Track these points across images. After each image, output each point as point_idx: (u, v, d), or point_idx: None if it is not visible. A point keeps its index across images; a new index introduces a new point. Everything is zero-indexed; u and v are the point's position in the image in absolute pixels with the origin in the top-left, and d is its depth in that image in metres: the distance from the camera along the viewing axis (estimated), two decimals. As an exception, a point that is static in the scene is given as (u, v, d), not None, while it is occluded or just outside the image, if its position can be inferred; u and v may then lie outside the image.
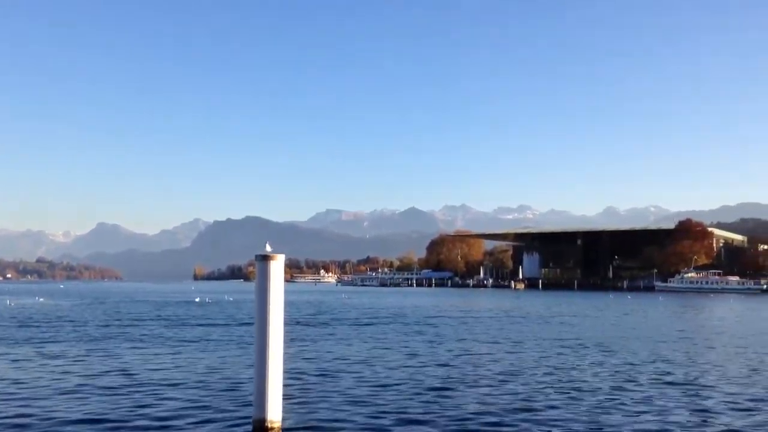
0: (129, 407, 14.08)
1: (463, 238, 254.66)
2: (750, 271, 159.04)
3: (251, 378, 11.81)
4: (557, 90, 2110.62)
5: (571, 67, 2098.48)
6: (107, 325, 36.95)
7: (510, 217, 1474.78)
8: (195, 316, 45.99)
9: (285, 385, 11.65)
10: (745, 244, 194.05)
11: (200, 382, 17.37)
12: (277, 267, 11.06)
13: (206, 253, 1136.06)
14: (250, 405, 11.60)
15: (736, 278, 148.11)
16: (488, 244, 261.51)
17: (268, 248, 11.42)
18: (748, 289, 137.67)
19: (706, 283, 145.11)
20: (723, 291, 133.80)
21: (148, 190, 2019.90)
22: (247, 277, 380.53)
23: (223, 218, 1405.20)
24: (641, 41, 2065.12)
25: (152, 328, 35.50)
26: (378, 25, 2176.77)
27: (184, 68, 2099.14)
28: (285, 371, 11.54)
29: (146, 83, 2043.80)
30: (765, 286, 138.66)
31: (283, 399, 11.31)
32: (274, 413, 10.89)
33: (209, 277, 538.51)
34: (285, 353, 11.41)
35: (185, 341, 28.23)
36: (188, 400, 14.94)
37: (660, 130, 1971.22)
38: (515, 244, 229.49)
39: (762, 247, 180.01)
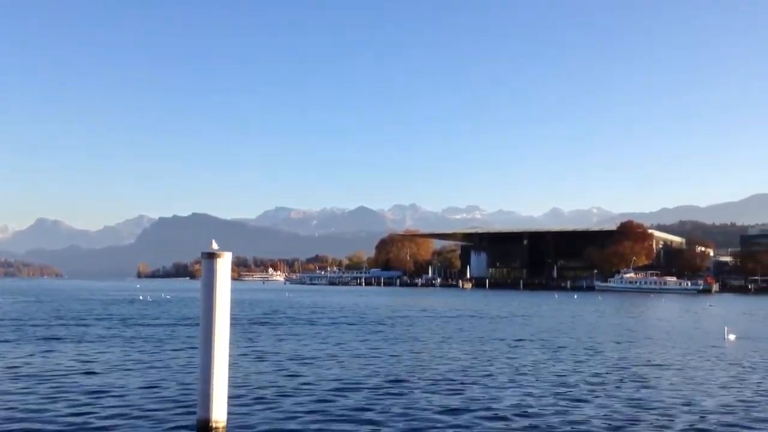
0: (70, 409, 13.68)
1: (412, 237, 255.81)
2: (687, 272, 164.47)
3: (197, 378, 11.61)
4: (505, 92, 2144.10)
5: (519, 69, 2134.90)
6: (49, 325, 35.71)
7: (458, 217, 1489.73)
8: (139, 315, 44.95)
9: (230, 385, 11.48)
10: (683, 246, 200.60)
11: (143, 382, 17.02)
12: (223, 265, 10.87)
13: (151, 250, 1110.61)
14: (195, 405, 11.40)
15: (673, 279, 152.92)
16: (437, 244, 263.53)
17: (215, 246, 11.24)
18: (685, 289, 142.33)
19: (645, 283, 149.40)
20: (661, 291, 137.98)
21: (90, 185, 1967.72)
22: (193, 275, 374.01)
23: (168, 215, 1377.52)
24: (586, 41, 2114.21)
25: (94, 327, 34.54)
26: (319, 19, 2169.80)
27: (130, 61, 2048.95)
28: (230, 371, 11.37)
29: (89, 74, 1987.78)
30: (701, 287, 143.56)
31: (229, 399, 11.15)
32: (219, 413, 10.72)
33: (154, 275, 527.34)
34: (230, 353, 11.25)
35: (128, 340, 27.59)
36: (131, 400, 14.62)
37: (603, 134, 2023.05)
38: (463, 243, 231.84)
39: (699, 248, 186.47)
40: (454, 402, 14.98)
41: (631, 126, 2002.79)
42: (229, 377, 10.97)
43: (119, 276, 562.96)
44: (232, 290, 11.35)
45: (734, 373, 20.23)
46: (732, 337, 30.55)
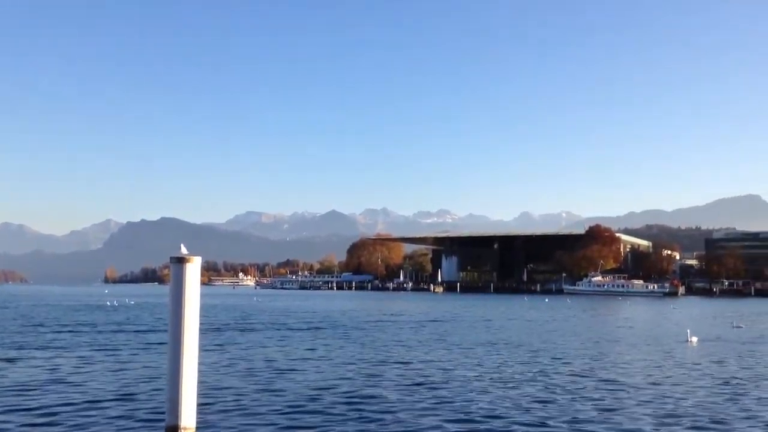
0: (36, 415, 13.43)
1: (383, 241, 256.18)
2: (654, 275, 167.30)
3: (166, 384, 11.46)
4: (478, 97, 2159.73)
5: (489, 74, 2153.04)
6: (13, 332, 34.91)
7: (430, 221, 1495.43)
8: (107, 321, 44.22)
9: (200, 391, 11.38)
10: (650, 250, 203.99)
11: (111, 389, 16.76)
12: (193, 270, 10.75)
13: (119, 255, 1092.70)
14: (164, 411, 11.27)
15: (640, 282, 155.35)
16: (408, 248, 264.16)
17: (184, 250, 11.10)
18: (652, 292, 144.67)
19: (612, 286, 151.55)
20: (628, 294, 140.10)
21: (56, 188, 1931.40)
22: (162, 280, 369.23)
23: (136, 219, 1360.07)
24: (554, 48, 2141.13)
25: (61, 333, 33.88)
26: (278, 21, 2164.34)
27: (93, 60, 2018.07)
28: (200, 377, 11.27)
29: (55, 74, 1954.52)
30: (668, 290, 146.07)
31: (198, 405, 11.04)
32: (188, 419, 10.59)
33: (122, 280, 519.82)
34: (200, 359, 11.15)
35: (95, 347, 27.13)
36: (98, 407, 14.40)
37: (572, 139, 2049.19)
38: (434, 247, 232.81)
39: (665, 252, 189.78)
40: (430, 407, 15.03)
41: (599, 131, 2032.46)
42: (198, 383, 10.87)
43: (86, 281, 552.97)
44: (202, 295, 11.25)
45: (693, 374, 20.65)
46: (694, 339, 31.08)
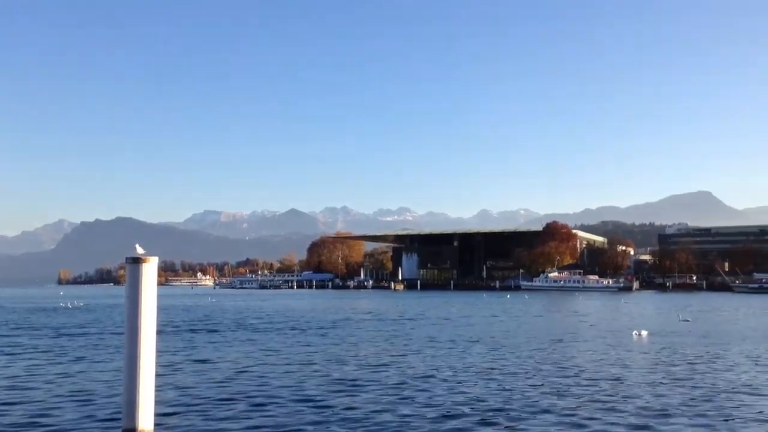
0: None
1: (343, 239, 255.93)
2: (610, 270, 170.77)
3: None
4: (437, 96, 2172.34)
5: (448, 74, 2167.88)
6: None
7: (390, 219, 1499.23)
8: (62, 324, 43.19)
9: (158, 394, 11.24)
10: (605, 246, 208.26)
11: (66, 392, 16.41)
12: (149, 270, 10.63)
13: (72, 256, 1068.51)
14: (120, 414, 11.12)
15: (595, 277, 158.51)
16: (368, 246, 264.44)
17: (140, 250, 10.96)
18: (607, 287, 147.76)
19: (568, 282, 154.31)
20: (584, 290, 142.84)
21: (5, 188, 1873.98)
22: (117, 281, 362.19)
23: (90, 219, 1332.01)
24: (508, 45, 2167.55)
25: (14, 337, 32.98)
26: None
27: (44, 59, 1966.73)
28: (157, 379, 11.14)
29: (17, 75, 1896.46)
30: (622, 285, 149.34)
31: (156, 408, 10.92)
32: (145, 422, 10.48)
33: (76, 282, 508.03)
34: (157, 360, 11.02)
35: (50, 349, 26.51)
36: (53, 411, 14.10)
37: (529, 138, 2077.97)
38: (395, 245, 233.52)
39: (620, 248, 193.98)
40: (397, 406, 15.11)
41: (555, 130, 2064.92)
42: (156, 386, 10.75)
43: (39, 283, 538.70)
44: (159, 296, 11.13)
45: (639, 366, 21.22)
46: (644, 333, 31.82)
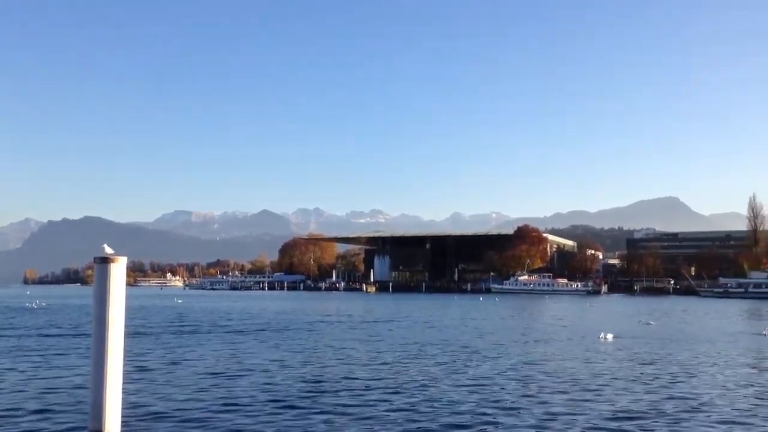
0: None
1: (316, 241, 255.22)
2: (579, 274, 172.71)
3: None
4: (410, 98, 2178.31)
5: (422, 76, 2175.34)
6: None
7: (362, 221, 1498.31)
8: (28, 324, 42.33)
9: (125, 396, 11.11)
10: (575, 249, 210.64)
11: (30, 394, 16.13)
12: (117, 270, 10.50)
13: (39, 255, 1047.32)
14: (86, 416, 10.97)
15: (564, 281, 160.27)
16: (341, 248, 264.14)
17: (108, 250, 10.83)
18: (576, 291, 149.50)
19: (538, 285, 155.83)
20: (553, 293, 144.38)
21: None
22: (85, 282, 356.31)
23: (58, 218, 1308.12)
24: (494, 50, 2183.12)
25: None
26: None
27: (18, 52, 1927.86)
28: (125, 382, 11.00)
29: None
30: (591, 288, 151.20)
31: (123, 410, 10.79)
32: (112, 425, 10.35)
33: (42, 282, 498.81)
34: (124, 363, 10.89)
35: (15, 350, 25.99)
36: (19, 412, 13.86)
37: (502, 140, 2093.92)
38: (367, 247, 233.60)
39: (589, 252, 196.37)
40: (366, 409, 15.13)
41: (527, 134, 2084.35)
42: (123, 388, 10.62)
43: (4, 283, 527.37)
44: (128, 296, 11.00)
45: (603, 369, 21.56)
46: (609, 336, 32.13)
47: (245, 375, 19.86)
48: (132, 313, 52.08)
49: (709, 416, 14.23)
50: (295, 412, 14.44)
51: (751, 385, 18.52)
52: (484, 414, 14.29)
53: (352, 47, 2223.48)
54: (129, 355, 18.53)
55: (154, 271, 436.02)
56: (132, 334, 32.09)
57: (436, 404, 15.31)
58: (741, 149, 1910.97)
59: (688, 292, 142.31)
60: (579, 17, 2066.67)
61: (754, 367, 22.69)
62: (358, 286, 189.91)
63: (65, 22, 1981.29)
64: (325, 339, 32.36)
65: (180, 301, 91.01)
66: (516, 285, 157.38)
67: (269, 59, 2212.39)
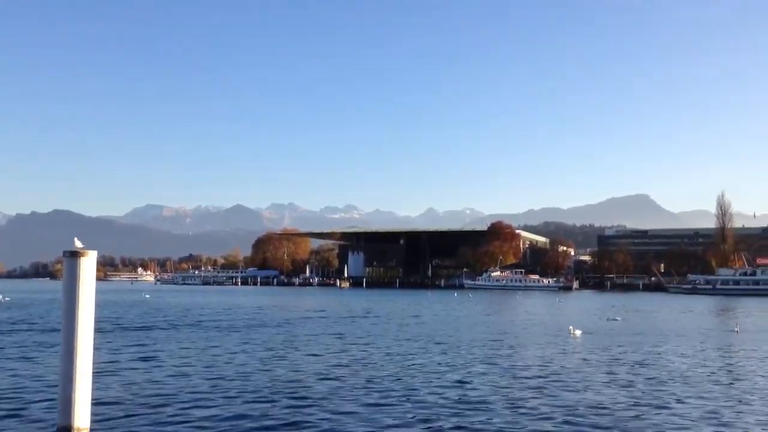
0: None
1: (289, 236, 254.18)
2: (551, 270, 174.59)
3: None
4: (384, 94, 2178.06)
5: (395, 72, 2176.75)
6: None
7: (337, 216, 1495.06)
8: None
9: (96, 391, 11.00)
10: (547, 246, 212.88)
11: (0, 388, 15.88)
12: (87, 264, 10.40)
13: (6, 248, 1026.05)
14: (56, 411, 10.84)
15: (536, 277, 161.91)
16: (315, 243, 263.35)
17: (78, 244, 10.73)
18: (548, 287, 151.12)
19: (510, 281, 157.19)
20: (525, 289, 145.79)
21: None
22: (54, 276, 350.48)
23: (26, 211, 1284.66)
24: (453, 47, 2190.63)
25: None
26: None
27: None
28: (95, 377, 10.89)
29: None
30: (562, 285, 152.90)
31: (93, 405, 10.69)
32: (82, 420, 10.26)
33: (10, 276, 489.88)
34: (94, 356, 10.78)
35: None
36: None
37: (476, 136, 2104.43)
38: (341, 243, 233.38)
39: (561, 248, 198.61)
40: (341, 404, 15.16)
41: (500, 132, 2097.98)
42: (93, 383, 10.52)
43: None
44: (98, 291, 10.89)
45: (570, 364, 21.91)
46: (578, 332, 32.50)
47: (214, 371, 19.74)
48: (99, 308, 51.30)
49: (673, 411, 14.52)
50: (264, 405, 14.42)
51: (719, 382, 18.90)
52: (454, 409, 14.42)
53: (330, 40, 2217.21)
54: (98, 350, 18.33)
55: (125, 265, 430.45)
56: (99, 330, 31.68)
57: (404, 398, 15.41)
58: (710, 148, 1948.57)
59: (658, 288, 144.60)
60: (543, 16, 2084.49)
61: (727, 364, 22.98)
62: (332, 282, 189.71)
63: (24, 14, 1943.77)
64: (300, 335, 32.31)
65: (148, 296, 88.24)
66: (489, 281, 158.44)
67: (241, 53, 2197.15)
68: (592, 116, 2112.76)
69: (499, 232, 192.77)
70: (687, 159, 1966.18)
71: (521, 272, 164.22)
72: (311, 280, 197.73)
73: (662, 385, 17.72)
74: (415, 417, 13.54)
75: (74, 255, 10.38)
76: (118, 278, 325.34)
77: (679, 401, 15.52)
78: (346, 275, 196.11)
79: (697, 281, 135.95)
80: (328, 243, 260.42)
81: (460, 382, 17.97)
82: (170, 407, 14.22)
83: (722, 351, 26.74)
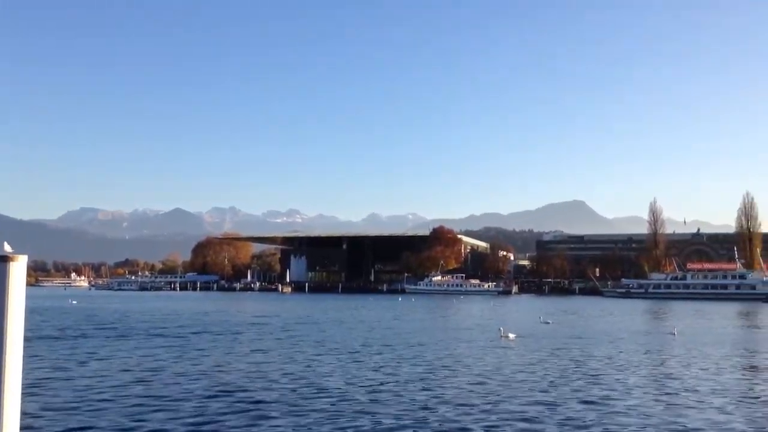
0: None
1: (230, 240, 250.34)
2: (491, 274, 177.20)
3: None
4: (328, 99, 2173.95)
5: (344, 77, 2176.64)
6: None
7: (279, 220, 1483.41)
8: None
9: (25, 401, 10.62)
10: (488, 251, 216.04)
11: None
12: (17, 269, 9.99)
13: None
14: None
15: (476, 281, 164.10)
16: (257, 248, 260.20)
17: (7, 248, 10.29)
18: (488, 291, 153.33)
19: (451, 285, 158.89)
20: (466, 293, 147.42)
21: None
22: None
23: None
24: (400, 54, 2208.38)
25: None
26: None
27: None
28: (24, 386, 10.51)
29: None
30: (502, 289, 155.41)
31: (23, 415, 10.31)
32: (11, 428, 9.88)
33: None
34: (24, 365, 10.41)
35: None
36: None
37: (418, 143, 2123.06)
38: (283, 247, 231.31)
39: (501, 253, 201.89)
40: (279, 411, 15.06)
41: (443, 138, 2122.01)
42: (22, 392, 10.15)
43: None
44: (28, 297, 10.52)
45: (496, 366, 22.47)
46: (511, 335, 33.06)
47: (142, 380, 19.25)
48: (34, 314, 49.44)
49: (601, 409, 15.01)
50: (203, 415, 14.22)
51: (647, 383, 19.61)
52: (384, 414, 14.53)
53: (276, 45, 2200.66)
54: (27, 357, 17.70)
55: (58, 270, 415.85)
56: (25, 338, 30.60)
57: (343, 404, 15.44)
58: (643, 155, 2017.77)
59: (593, 292, 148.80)
60: (504, 25, 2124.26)
61: (659, 364, 23.74)
62: (273, 287, 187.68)
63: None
64: (240, 341, 31.91)
65: (75, 302, 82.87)
66: (430, 286, 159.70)
67: (183, 55, 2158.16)
68: (530, 125, 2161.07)
69: (441, 237, 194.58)
70: (621, 166, 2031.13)
71: (462, 277, 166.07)
72: (252, 285, 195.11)
73: (580, 386, 18.38)
74: (337, 425, 13.57)
75: (3, 260, 9.96)
76: (50, 284, 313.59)
77: (602, 400, 16.04)
78: (288, 280, 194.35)
79: (631, 285, 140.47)
80: (270, 248, 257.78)
81: (387, 386, 18.09)
82: (100, 417, 13.85)
83: (661, 354, 27.48)
